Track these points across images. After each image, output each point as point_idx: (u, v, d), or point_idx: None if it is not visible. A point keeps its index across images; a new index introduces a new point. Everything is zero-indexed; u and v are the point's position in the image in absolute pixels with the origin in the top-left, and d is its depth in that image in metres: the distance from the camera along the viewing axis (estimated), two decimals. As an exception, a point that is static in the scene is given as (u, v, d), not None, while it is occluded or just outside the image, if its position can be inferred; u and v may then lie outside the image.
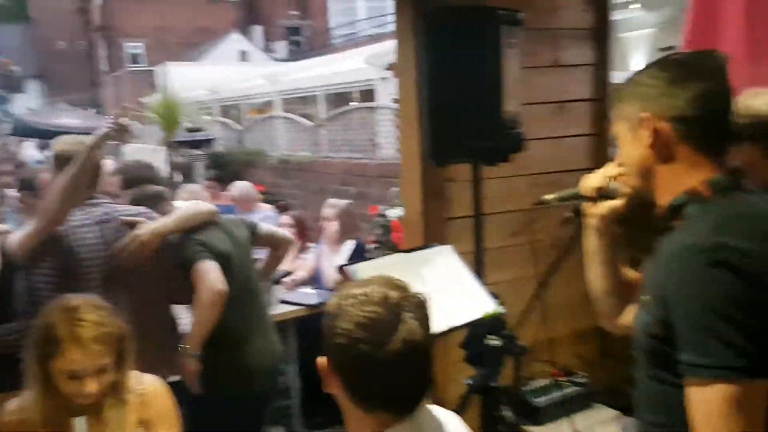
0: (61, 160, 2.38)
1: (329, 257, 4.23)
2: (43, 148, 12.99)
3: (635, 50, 8.16)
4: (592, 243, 1.49)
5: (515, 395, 2.44)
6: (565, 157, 2.89)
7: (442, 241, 2.47)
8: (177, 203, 2.81)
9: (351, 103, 7.73)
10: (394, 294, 1.14)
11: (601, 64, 2.95)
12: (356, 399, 1.15)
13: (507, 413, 2.13)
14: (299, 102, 12.16)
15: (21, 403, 1.77)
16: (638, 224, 1.37)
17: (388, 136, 6.06)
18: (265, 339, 2.75)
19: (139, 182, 2.81)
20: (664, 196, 1.24)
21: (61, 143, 2.51)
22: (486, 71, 2.12)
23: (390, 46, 5.62)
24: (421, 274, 2.12)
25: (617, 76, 2.97)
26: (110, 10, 30.34)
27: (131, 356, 1.78)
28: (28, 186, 3.08)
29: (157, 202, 2.66)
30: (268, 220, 5.58)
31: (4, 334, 2.36)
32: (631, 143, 1.27)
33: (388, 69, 6.37)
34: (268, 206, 6.00)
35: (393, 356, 1.09)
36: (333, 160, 6.73)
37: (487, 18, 2.10)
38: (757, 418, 1.05)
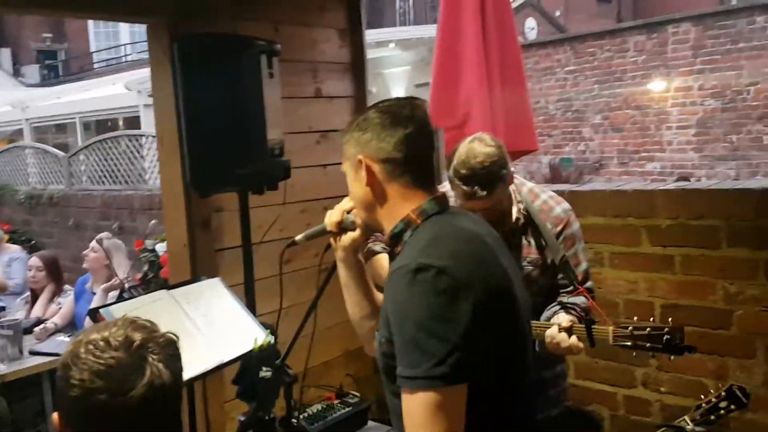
0: None
1: (100, 298, 3.87)
2: None
3: (396, 85, 8.77)
4: (342, 274, 1.57)
5: (289, 425, 2.41)
6: (332, 184, 2.97)
7: (212, 274, 2.39)
8: None
9: (111, 132, 7.21)
10: (137, 336, 1.05)
11: (359, 97, 3.11)
12: None
13: (283, 444, 2.09)
14: (55, 130, 11.09)
15: None
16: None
17: (155, 165, 5.74)
18: None
19: None
20: (387, 225, 1.37)
21: None
22: (246, 100, 2.10)
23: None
24: (187, 310, 2.03)
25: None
26: None
27: None
28: None
29: None
30: (15, 262, 4.97)
31: None
32: (354, 181, 1.39)
33: (150, 95, 6.09)
34: (15, 247, 5.36)
35: (136, 403, 1.01)
36: (92, 193, 6.18)
37: (244, 47, 2.10)
38: (457, 420, 1.17)
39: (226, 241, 2.64)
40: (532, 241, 2.05)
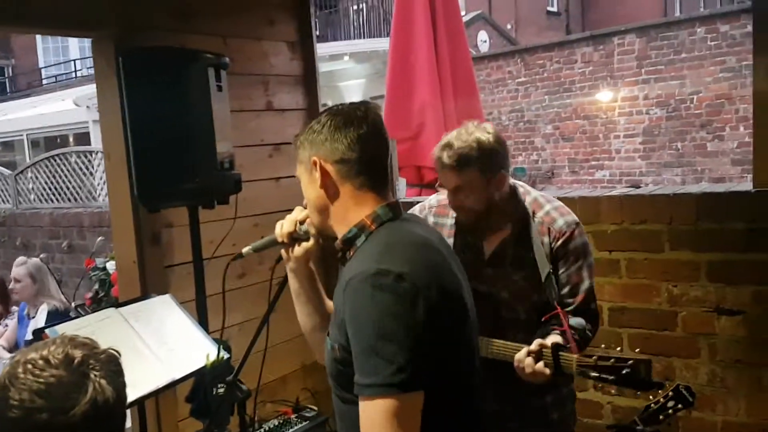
0: None
1: (29, 322, 3.76)
2: None
3: (351, 98, 8.82)
4: (293, 285, 1.57)
5: (244, 441, 2.38)
6: (286, 197, 2.96)
7: (163, 290, 2.35)
8: None
9: (60, 148, 7.04)
10: (77, 353, 1.03)
11: (311, 109, 3.11)
12: None
13: (238, 461, 2.07)
14: (2, 148, 10.79)
15: None
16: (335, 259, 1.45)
17: (105, 182, 5.63)
18: None
19: None
20: (340, 230, 1.37)
21: None
22: (194, 113, 2.09)
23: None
24: (137, 327, 1.99)
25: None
26: None
27: None
28: None
29: None
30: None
31: None
32: (308, 184, 1.39)
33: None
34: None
35: (79, 421, 1.00)
36: (40, 212, 6.02)
37: (191, 60, 2.09)
38: (414, 426, 1.18)
39: (177, 256, 2.60)
40: (528, 257, 1.90)
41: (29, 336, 3.73)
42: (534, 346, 1.74)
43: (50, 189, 6.10)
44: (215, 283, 2.60)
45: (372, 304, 1.17)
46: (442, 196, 2.05)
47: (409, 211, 1.89)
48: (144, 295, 2.29)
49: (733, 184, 3.97)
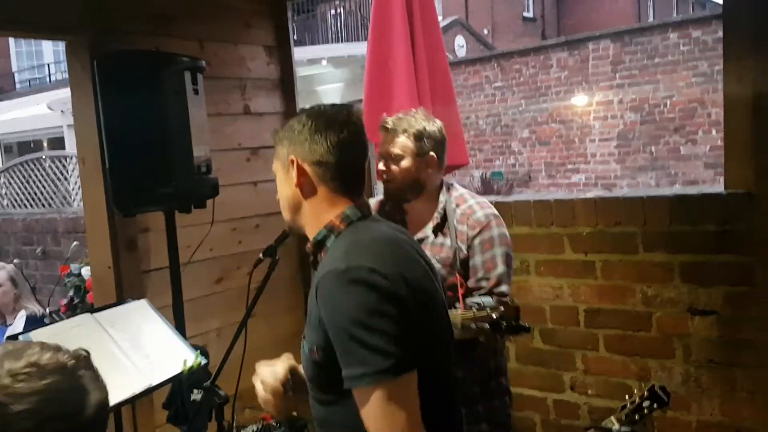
0: None
1: (6, 329, 3.69)
2: None
3: (329, 102, 8.81)
4: None
5: (222, 447, 2.36)
6: (263, 202, 2.96)
7: (139, 296, 2.33)
8: None
9: (34, 153, 6.93)
10: (62, 357, 1.02)
11: (289, 113, 3.11)
12: None
13: (216, 467, 2.05)
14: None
15: None
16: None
17: (79, 187, 5.56)
18: None
19: None
20: (311, 231, 1.38)
21: None
22: (170, 117, 2.08)
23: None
24: (112, 333, 1.97)
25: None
26: None
27: None
28: None
29: None
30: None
31: None
32: (283, 181, 1.39)
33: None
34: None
35: (90, 423, 1.00)
36: (13, 217, 5.92)
37: (166, 64, 2.07)
38: (413, 406, 1.20)
39: (154, 262, 2.58)
40: (447, 242, 2.10)
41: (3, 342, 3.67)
42: None
43: (24, 194, 6.01)
44: (192, 289, 2.60)
45: (347, 298, 1.19)
46: (381, 196, 2.25)
47: None
48: (120, 301, 2.26)
49: (705, 187, 4.04)
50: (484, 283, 2.06)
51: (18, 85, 22.12)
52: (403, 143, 2.09)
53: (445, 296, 1.45)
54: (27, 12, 2.24)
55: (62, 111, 7.49)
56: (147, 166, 2.07)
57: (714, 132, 9.30)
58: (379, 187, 3.98)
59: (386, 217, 2.07)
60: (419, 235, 2.12)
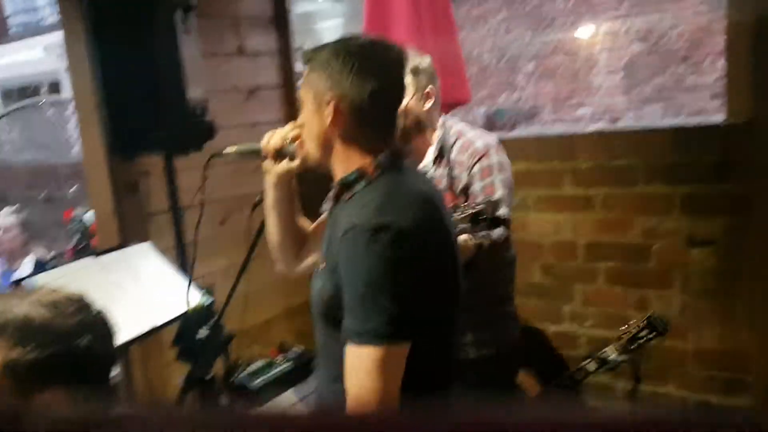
0: None
1: (12, 273, 3.77)
2: None
3: (327, 40, 8.63)
4: (269, 197, 1.56)
5: (230, 383, 2.44)
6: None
7: (142, 239, 2.35)
8: None
9: (30, 98, 6.85)
10: (75, 295, 1.11)
11: (285, 52, 3.06)
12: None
13: (224, 402, 2.13)
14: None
15: None
16: (315, 185, 1.46)
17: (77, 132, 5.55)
18: None
19: None
20: (339, 170, 1.34)
21: None
22: (162, 58, 2.05)
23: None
24: (116, 276, 2.00)
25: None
26: None
27: None
28: None
29: None
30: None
31: None
32: (314, 114, 1.33)
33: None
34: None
35: (99, 360, 1.10)
36: (15, 163, 5.94)
37: (157, 2, 2.03)
38: (396, 377, 1.21)
39: (155, 205, 2.60)
40: (445, 173, 2.12)
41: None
42: None
43: (25, 140, 6.01)
44: (193, 231, 2.62)
45: (368, 255, 1.18)
46: None
47: None
48: (123, 244, 2.29)
49: (705, 117, 4.00)
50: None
51: (12, 29, 21.71)
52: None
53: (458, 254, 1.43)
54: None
55: (58, 54, 7.38)
56: (142, 109, 2.06)
57: (720, 62, 9.11)
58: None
59: None
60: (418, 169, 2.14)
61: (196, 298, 2.06)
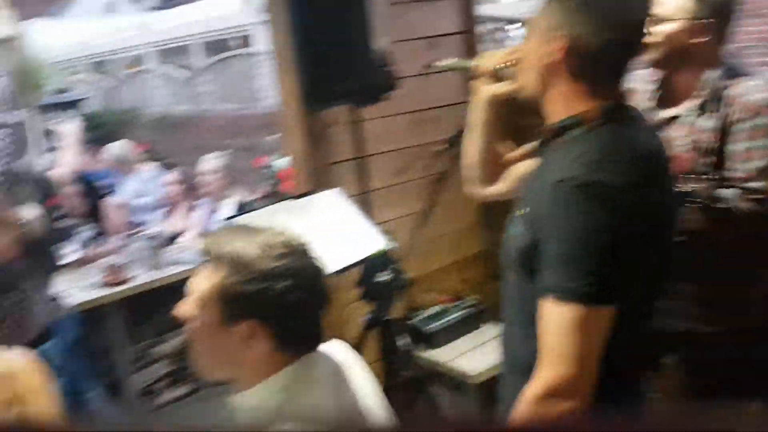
0: None
1: (211, 214, 4.18)
2: None
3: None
4: (475, 117, 1.53)
5: (408, 325, 2.55)
6: (441, 94, 2.96)
7: (329, 186, 2.50)
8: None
9: (227, 52, 7.38)
10: (294, 240, 1.20)
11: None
12: (281, 344, 1.18)
13: (402, 342, 2.24)
14: (176, 52, 11.58)
15: None
16: (521, 115, 1.43)
17: (270, 84, 5.91)
18: None
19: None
20: (554, 111, 1.27)
21: None
22: (352, 9, 2.11)
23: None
24: (310, 218, 2.15)
25: (483, 9, 3.05)
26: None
27: None
28: None
29: None
30: (150, 180, 5.37)
31: None
32: (541, 45, 1.25)
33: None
34: (150, 165, 5.75)
35: (323, 294, 1.21)
36: (212, 114, 6.50)
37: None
38: (596, 341, 1.16)
39: (342, 154, 2.73)
40: (703, 124, 1.78)
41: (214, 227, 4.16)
42: None
43: (222, 91, 6.53)
44: (377, 179, 2.73)
45: (577, 212, 1.13)
46: None
47: None
48: (313, 190, 2.45)
49: None
50: (737, 175, 1.74)
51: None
52: (678, 2, 1.77)
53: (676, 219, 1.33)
54: None
55: (254, 8, 7.86)
56: (334, 62, 2.15)
57: None
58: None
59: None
60: (671, 112, 1.86)
61: (380, 243, 2.15)
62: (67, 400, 2.24)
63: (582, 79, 1.23)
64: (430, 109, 3.01)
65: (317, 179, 2.64)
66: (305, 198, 2.28)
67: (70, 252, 3.76)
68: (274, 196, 4.28)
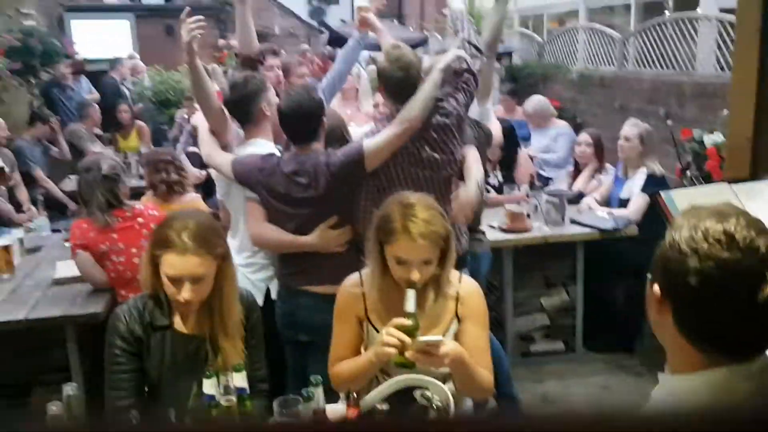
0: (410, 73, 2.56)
1: (624, 182, 4.03)
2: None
3: None
4: None
5: None
6: None
7: (772, 174, 2.18)
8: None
9: (666, 13, 6.88)
10: (761, 242, 1.02)
11: None
12: (688, 334, 1.09)
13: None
14: (606, 12, 11.32)
15: (360, 279, 2.05)
16: None
17: (711, 50, 5.34)
18: None
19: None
20: None
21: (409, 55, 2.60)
22: None
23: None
24: (748, 208, 1.90)
25: None
26: None
27: (453, 255, 1.94)
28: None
29: None
30: (561, 137, 5.45)
31: None
32: None
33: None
34: (563, 122, 5.84)
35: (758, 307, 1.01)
36: (640, 76, 6.20)
37: None
38: None
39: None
40: None
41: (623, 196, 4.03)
42: None
43: (652, 54, 6.18)
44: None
45: None
46: None
47: None
48: (756, 175, 2.16)
49: None
50: None
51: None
52: None
53: None
54: None
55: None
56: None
57: None
58: None
59: None
60: None
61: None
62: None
63: None
64: None
65: (762, 163, 2.32)
66: (745, 183, 2.04)
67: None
68: (694, 173, 3.93)
